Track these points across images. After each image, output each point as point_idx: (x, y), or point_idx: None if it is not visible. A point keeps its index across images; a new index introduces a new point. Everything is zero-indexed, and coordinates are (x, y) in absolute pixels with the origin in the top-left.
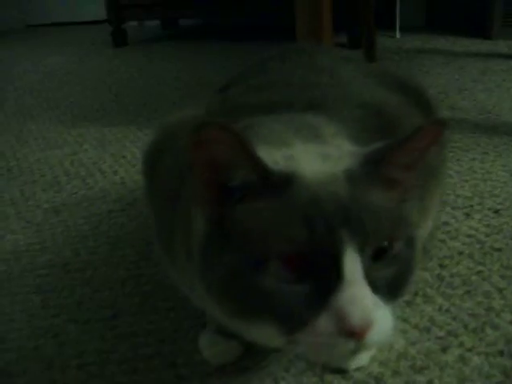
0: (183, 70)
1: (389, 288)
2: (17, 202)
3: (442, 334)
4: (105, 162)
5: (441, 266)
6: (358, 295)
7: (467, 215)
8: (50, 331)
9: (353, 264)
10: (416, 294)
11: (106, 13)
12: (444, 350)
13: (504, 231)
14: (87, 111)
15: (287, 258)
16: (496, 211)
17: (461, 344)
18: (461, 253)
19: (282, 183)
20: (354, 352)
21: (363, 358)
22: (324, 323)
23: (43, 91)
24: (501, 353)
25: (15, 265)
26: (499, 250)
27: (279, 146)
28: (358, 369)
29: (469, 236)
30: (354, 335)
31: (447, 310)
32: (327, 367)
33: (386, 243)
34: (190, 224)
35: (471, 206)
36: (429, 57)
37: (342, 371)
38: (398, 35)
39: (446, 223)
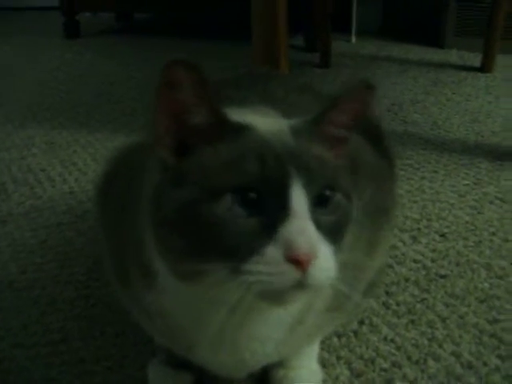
0: (136, 67)
1: (330, 233)
2: None
3: (386, 365)
4: (54, 168)
5: (387, 293)
6: (304, 226)
7: (414, 239)
8: None
9: (299, 197)
10: (362, 322)
11: (59, 1)
12: (388, 382)
13: (449, 256)
14: (36, 110)
15: (240, 192)
16: (442, 235)
17: (404, 376)
18: (407, 279)
19: (238, 129)
20: (301, 287)
21: None
22: (271, 251)
23: None
24: None
25: None
26: (444, 276)
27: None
28: None
29: (415, 261)
30: (300, 263)
31: (392, 340)
32: None
33: (328, 192)
34: (139, 233)
35: (419, 228)
36: (383, 64)
37: None
38: (353, 40)
39: (393, 247)
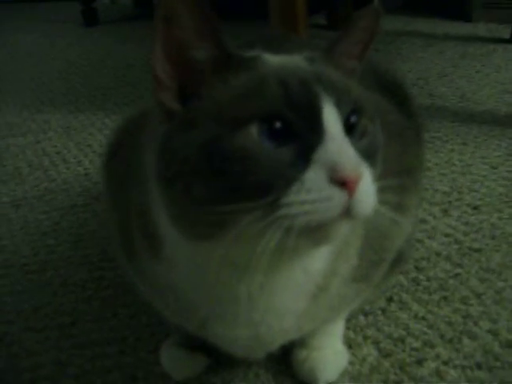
0: None
1: (366, 157)
2: None
3: (417, 344)
4: (69, 151)
5: (417, 268)
6: (344, 146)
7: (445, 212)
8: (4, 340)
9: (333, 118)
10: (391, 299)
11: None
12: (419, 362)
13: (483, 229)
14: (53, 95)
15: (265, 121)
16: (475, 207)
17: (437, 356)
18: (438, 254)
19: (248, 60)
20: (347, 216)
21: (333, 373)
22: (313, 176)
23: (7, 72)
24: (478, 365)
25: None
26: (478, 250)
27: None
28: None
29: (447, 235)
30: (347, 184)
31: (423, 318)
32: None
33: (353, 118)
34: (143, 198)
35: (449, 201)
36: (408, 39)
37: None
38: None
39: (423, 221)
